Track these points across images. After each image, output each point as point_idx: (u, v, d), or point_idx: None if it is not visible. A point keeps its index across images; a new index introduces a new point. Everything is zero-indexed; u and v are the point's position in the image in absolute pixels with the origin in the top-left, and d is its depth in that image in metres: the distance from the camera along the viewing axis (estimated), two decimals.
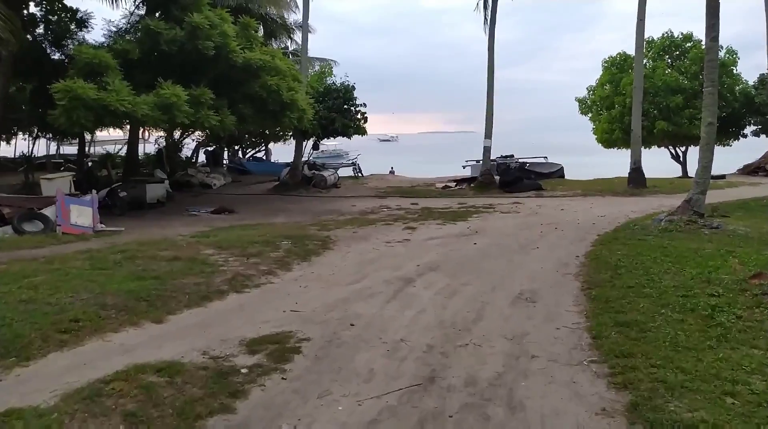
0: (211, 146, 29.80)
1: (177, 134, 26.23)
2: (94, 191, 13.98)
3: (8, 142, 30.49)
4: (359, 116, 22.84)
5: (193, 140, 30.79)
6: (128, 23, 18.49)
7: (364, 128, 23.98)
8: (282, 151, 32.37)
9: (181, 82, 15.96)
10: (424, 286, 7.56)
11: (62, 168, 22.62)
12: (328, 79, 29.57)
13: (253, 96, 17.91)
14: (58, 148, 31.88)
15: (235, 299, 6.98)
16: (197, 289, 7.15)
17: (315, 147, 23.88)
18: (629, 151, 32.40)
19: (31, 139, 29.21)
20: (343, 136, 22.94)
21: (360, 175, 28.21)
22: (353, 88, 23.04)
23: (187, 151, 28.91)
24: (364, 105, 23.55)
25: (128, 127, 20.73)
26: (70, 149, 34.84)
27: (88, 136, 32.58)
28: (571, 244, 10.80)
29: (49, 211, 12.64)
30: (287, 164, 24.95)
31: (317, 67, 31.65)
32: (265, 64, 17.86)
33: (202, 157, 29.68)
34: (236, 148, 33.51)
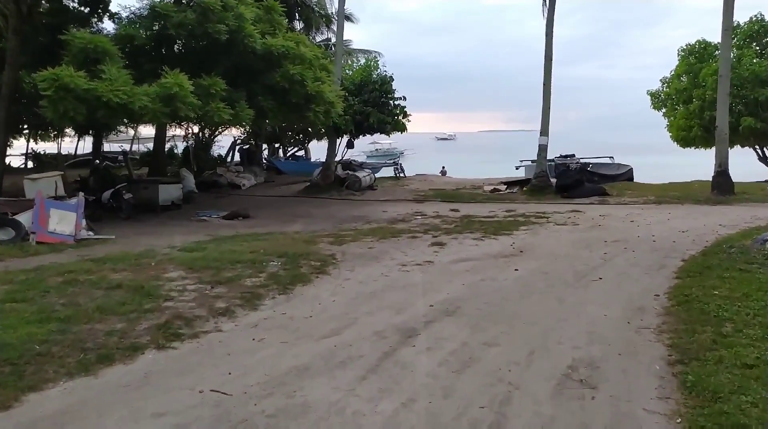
0: (247, 144, 28.23)
1: (208, 131, 24.74)
2: (81, 194, 12.33)
3: (34, 139, 29.89)
4: (398, 111, 20.50)
5: (232, 137, 29.40)
6: (141, 8, 16.91)
7: (403, 124, 21.63)
8: (321, 150, 30.34)
9: (193, 71, 14.16)
10: (428, 344, 5.22)
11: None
12: (374, 73, 27.42)
13: (274, 87, 15.95)
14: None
15: (148, 362, 4.85)
16: (103, 343, 5.09)
17: (349, 145, 21.74)
18: (710, 150, 28.75)
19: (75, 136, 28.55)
20: (380, 133, 20.68)
21: (401, 175, 25.89)
22: (391, 79, 20.74)
23: (221, 150, 27.43)
24: (404, 98, 21.20)
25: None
26: (116, 146, 34.34)
27: (130, 132, 32.00)
28: (646, 273, 8.16)
29: (23, 217, 11.03)
30: (322, 163, 22.97)
31: (362, 61, 29.55)
32: (288, 51, 15.88)
33: (239, 157, 28.12)
34: (276, 146, 31.90)
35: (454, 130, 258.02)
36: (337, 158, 21.68)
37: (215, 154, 25.53)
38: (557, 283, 7.59)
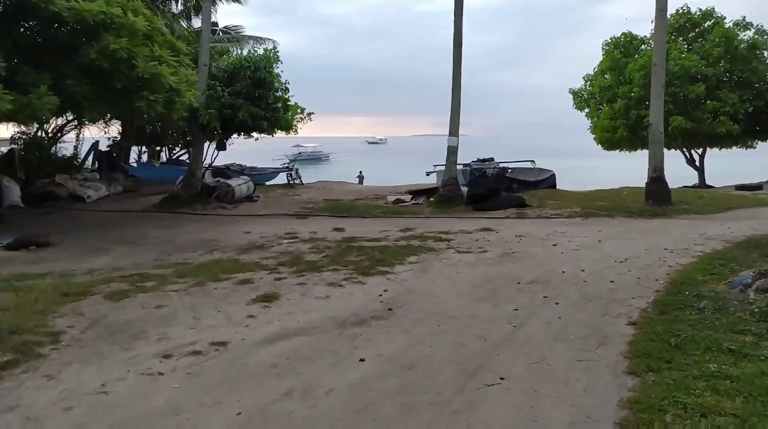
0: (121, 145, 23.32)
1: (53, 129, 20.02)
2: None
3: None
4: (280, 105, 16.66)
5: (96, 137, 24.29)
6: None
7: (290, 122, 17.79)
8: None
9: None
10: None
11: None
12: (275, 65, 23.35)
13: (90, 67, 11.82)
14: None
15: None
16: None
17: (220, 147, 17.70)
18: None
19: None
20: (254, 132, 16.75)
21: (296, 182, 22.01)
22: (271, 61, 16.86)
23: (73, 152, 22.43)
24: (286, 89, 17.34)
25: None
26: None
27: None
28: (579, 360, 4.83)
29: None
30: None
31: (260, 50, 25.40)
32: (111, 20, 11.81)
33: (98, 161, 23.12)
34: (157, 148, 27.19)
35: (386, 135, 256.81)
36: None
37: (65, 157, 20.73)
38: (422, 401, 4.08)
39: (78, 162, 21.59)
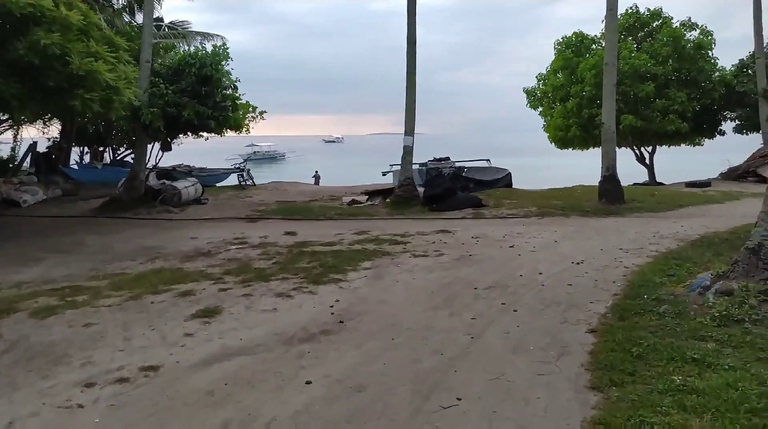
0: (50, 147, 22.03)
1: None
2: None
3: None
4: (228, 103, 15.98)
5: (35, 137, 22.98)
6: None
7: (239, 121, 17.14)
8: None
9: None
10: None
11: None
12: (224, 63, 22.52)
13: (19, 63, 10.99)
14: None
15: None
16: None
17: (165, 147, 16.89)
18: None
19: None
20: (201, 132, 16.04)
21: (248, 183, 21.30)
22: (220, 58, 16.18)
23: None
24: (235, 87, 16.68)
25: None
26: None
27: None
28: (539, 373, 4.56)
29: None
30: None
31: (209, 47, 24.48)
32: (42, 13, 11.00)
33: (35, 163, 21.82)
34: (101, 148, 25.94)
35: (344, 133, 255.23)
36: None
37: (0, 159, 19.47)
38: None
39: (14, 164, 20.34)
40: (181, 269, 8.92)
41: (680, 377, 4.22)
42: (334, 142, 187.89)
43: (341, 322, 5.95)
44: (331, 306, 6.52)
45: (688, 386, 4.06)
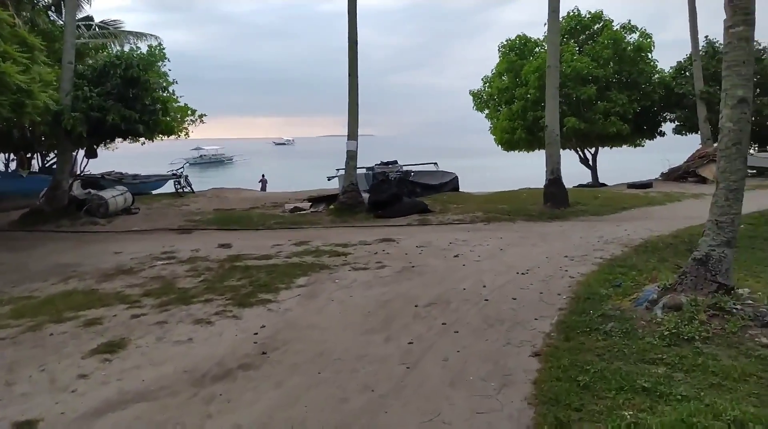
0: None
1: None
2: None
3: None
4: (158, 107, 15.00)
5: None
6: None
7: (170, 125, 16.17)
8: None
9: None
10: None
11: None
12: (160, 64, 21.35)
13: None
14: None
15: None
16: None
17: (90, 154, 15.80)
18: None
19: None
20: (129, 136, 15.03)
21: (184, 191, 20.23)
22: (156, 59, 15.21)
23: None
24: (165, 89, 15.74)
25: None
26: None
27: None
28: (479, 410, 4.07)
29: None
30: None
31: (144, 48, 23.28)
32: None
33: None
34: (28, 155, 24.27)
35: (294, 135, 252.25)
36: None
37: None
38: None
39: None
40: (96, 291, 8.09)
41: (631, 412, 3.82)
42: (284, 144, 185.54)
43: (264, 353, 5.33)
44: (255, 333, 5.90)
45: (641, 424, 3.65)
